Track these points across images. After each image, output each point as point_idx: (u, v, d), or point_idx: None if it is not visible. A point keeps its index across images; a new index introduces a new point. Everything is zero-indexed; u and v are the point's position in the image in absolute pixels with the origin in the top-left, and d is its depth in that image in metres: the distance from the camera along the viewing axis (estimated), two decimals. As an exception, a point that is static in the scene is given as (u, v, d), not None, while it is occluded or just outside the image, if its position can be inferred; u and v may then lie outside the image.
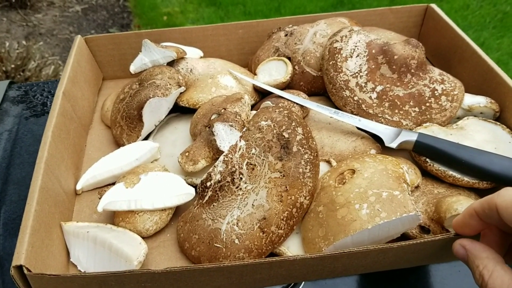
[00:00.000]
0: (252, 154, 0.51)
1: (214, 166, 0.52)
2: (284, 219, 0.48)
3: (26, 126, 0.74)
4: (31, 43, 2.01)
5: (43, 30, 2.59)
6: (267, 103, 0.62)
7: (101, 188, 0.58)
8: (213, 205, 0.50)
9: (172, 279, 0.43)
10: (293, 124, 0.51)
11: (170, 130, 0.66)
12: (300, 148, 0.50)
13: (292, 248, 0.49)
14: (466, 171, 0.54)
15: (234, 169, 0.50)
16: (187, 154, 0.57)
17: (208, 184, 0.51)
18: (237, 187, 0.50)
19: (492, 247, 0.38)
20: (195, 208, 0.52)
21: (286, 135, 0.50)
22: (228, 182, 0.50)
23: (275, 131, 0.51)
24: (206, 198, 0.51)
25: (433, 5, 0.80)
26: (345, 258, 0.44)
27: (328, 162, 0.56)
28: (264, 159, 0.50)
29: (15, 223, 0.59)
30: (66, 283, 0.42)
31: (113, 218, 0.54)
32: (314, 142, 0.51)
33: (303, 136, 0.51)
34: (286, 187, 0.48)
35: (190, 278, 0.44)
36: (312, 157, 0.50)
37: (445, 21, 0.76)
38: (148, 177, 0.55)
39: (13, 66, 1.83)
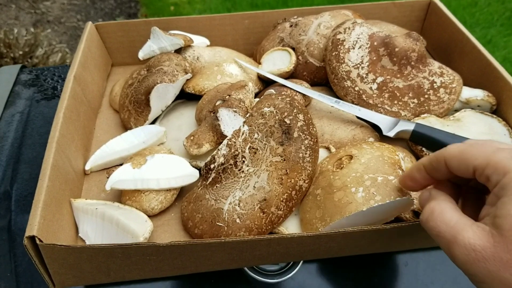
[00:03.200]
0: (255, 138, 0.53)
1: (218, 149, 0.54)
2: (284, 200, 0.50)
3: (37, 108, 0.76)
4: (39, 30, 2.02)
5: (51, 18, 2.61)
6: (271, 91, 0.64)
7: (110, 168, 0.61)
8: (216, 186, 0.53)
9: (176, 252, 0.46)
10: (295, 111, 0.54)
11: (176, 116, 0.68)
12: (301, 134, 0.52)
13: (291, 228, 0.52)
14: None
15: (237, 152, 0.53)
16: (192, 138, 0.59)
17: (212, 166, 0.53)
18: (239, 170, 0.52)
19: None
20: (199, 189, 0.55)
21: (288, 121, 0.53)
22: (231, 164, 0.52)
23: (277, 117, 0.53)
24: (210, 179, 0.53)
25: (436, 0, 0.82)
26: (341, 238, 0.46)
27: (328, 148, 0.58)
28: (266, 144, 0.52)
29: (26, 200, 0.61)
30: (75, 254, 0.45)
31: (120, 197, 0.57)
32: (315, 129, 0.54)
33: (304, 123, 0.53)
34: (286, 170, 0.50)
35: (193, 253, 0.46)
36: (312, 143, 0.52)
37: (447, 16, 0.78)
38: (154, 159, 0.57)
39: (21, 52, 1.84)
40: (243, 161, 0.52)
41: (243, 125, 0.55)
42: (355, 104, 0.64)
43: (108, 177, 0.55)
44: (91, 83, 0.70)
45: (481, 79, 0.69)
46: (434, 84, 0.65)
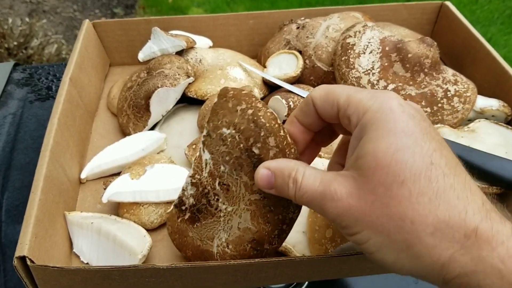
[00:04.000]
0: (222, 172, 0.42)
1: (183, 190, 0.46)
2: (276, 236, 0.43)
3: (30, 110, 0.73)
4: (34, 20, 1.98)
5: (46, 8, 2.57)
6: (276, 97, 0.61)
7: (106, 178, 0.58)
8: (196, 225, 0.46)
9: (177, 275, 0.43)
10: (262, 134, 0.40)
11: (177, 121, 0.65)
12: None
13: (299, 247, 0.49)
14: (477, 175, 0.53)
15: (206, 190, 0.44)
16: (194, 146, 0.56)
17: (183, 208, 0.46)
18: (215, 209, 0.44)
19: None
20: (179, 220, 0.47)
21: (257, 151, 0.40)
22: (204, 204, 0.44)
23: (241, 145, 0.41)
24: (186, 217, 0.46)
25: (448, 3, 0.79)
26: (353, 260, 0.44)
27: (337, 161, 0.55)
28: (237, 179, 0.42)
29: (17, 210, 0.58)
30: (69, 276, 0.42)
31: (118, 209, 0.54)
32: (293, 149, 0.41)
33: (278, 149, 0.40)
34: (270, 207, 0.41)
35: (195, 275, 0.43)
36: None
37: (459, 19, 0.75)
38: (154, 169, 0.54)
39: (15, 43, 1.80)
40: (217, 199, 0.43)
41: (204, 151, 0.44)
42: (365, 113, 0.61)
43: (105, 189, 0.52)
44: (88, 85, 0.67)
45: (496, 88, 0.66)
46: (448, 93, 0.62)
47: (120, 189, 0.51)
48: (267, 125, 0.39)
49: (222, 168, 0.42)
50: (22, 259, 0.41)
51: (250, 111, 0.40)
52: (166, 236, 0.53)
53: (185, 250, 0.48)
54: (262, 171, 0.37)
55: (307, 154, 0.41)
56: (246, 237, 0.42)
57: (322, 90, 0.35)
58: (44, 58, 1.85)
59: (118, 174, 0.57)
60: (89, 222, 0.50)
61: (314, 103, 0.36)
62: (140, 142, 0.60)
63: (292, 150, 0.40)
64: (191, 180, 0.44)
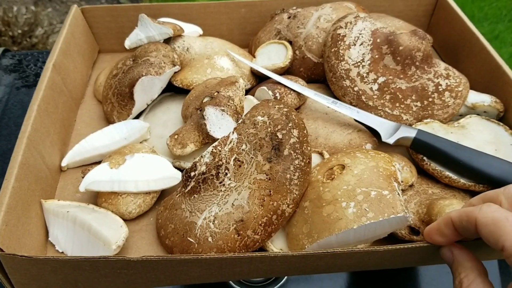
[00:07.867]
0: (242, 150, 0.48)
1: (201, 156, 0.49)
2: (262, 224, 0.45)
3: (16, 96, 0.72)
4: (40, 9, 1.97)
5: (52, -4, 2.55)
6: (263, 88, 0.60)
7: (85, 167, 0.57)
8: (194, 196, 0.48)
9: (149, 267, 0.42)
10: (290, 124, 0.48)
11: (162, 110, 0.64)
12: (292, 152, 0.47)
13: (277, 242, 0.48)
14: (464, 172, 0.52)
15: (220, 162, 0.48)
16: (176, 137, 0.55)
17: (192, 174, 0.49)
18: (220, 182, 0.47)
19: None
20: (177, 196, 0.51)
21: (280, 136, 0.47)
22: (212, 175, 0.48)
23: (269, 129, 0.48)
24: (188, 188, 0.49)
25: (445, -5, 0.77)
26: (329, 258, 0.43)
27: (321, 154, 0.54)
28: (253, 158, 0.47)
29: (-2, 197, 0.57)
30: (38, 265, 0.41)
31: (96, 198, 0.53)
32: (309, 148, 0.48)
33: (297, 140, 0.47)
34: (270, 191, 0.45)
35: (168, 268, 0.43)
36: (303, 164, 0.47)
37: (456, 12, 0.73)
38: (134, 159, 0.53)
39: (20, 31, 1.79)
40: (226, 173, 0.47)
41: (233, 133, 0.50)
42: (354, 106, 0.60)
43: (83, 177, 0.51)
44: (73, 71, 0.66)
45: (489, 83, 0.64)
46: (439, 87, 0.60)
47: (98, 178, 0.51)
48: (296, 121, 0.48)
49: (244, 146, 0.48)
50: (-9, 247, 0.41)
51: (285, 109, 0.49)
52: (145, 226, 0.53)
53: (167, 225, 0.49)
54: (446, 250, 0.40)
55: None
56: (235, 216, 0.45)
57: (490, 220, 0.34)
58: (49, 47, 1.84)
59: (100, 162, 0.57)
60: (65, 211, 0.49)
61: (478, 228, 0.35)
62: (123, 131, 0.59)
63: (309, 148, 0.48)
64: (212, 149, 0.49)
